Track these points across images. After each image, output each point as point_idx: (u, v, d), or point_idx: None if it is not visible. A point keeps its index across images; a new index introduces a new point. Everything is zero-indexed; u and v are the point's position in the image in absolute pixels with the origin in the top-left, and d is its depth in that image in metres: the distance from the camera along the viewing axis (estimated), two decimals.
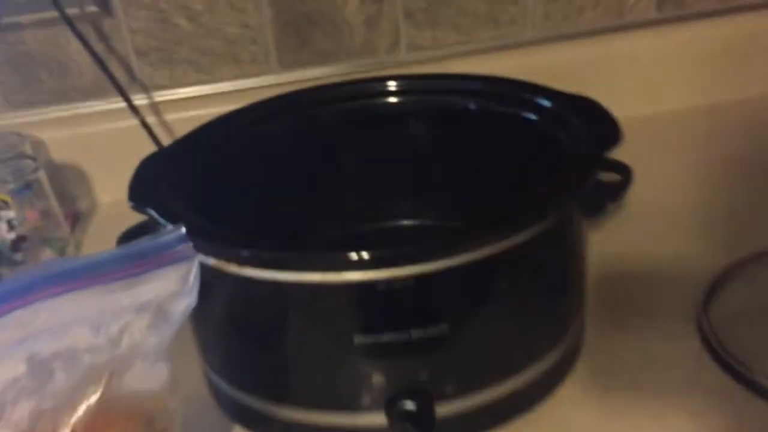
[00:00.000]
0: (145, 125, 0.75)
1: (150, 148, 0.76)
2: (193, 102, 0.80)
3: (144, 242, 0.42)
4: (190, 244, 0.42)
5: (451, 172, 0.59)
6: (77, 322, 0.41)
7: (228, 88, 0.80)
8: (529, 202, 0.44)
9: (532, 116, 0.52)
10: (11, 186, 0.69)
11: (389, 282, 0.41)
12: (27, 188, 0.70)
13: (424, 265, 0.40)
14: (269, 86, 0.80)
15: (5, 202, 0.69)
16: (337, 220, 0.59)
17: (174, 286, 0.42)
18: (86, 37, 0.74)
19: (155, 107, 0.79)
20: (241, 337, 0.46)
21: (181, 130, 0.79)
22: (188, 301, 0.42)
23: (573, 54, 0.81)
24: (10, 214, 0.69)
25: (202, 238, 0.42)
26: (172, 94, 0.80)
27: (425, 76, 0.60)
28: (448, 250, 0.40)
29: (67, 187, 0.81)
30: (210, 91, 0.80)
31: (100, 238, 0.77)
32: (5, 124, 0.78)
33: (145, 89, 0.79)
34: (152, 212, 0.45)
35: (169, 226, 0.43)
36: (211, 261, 0.43)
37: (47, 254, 0.72)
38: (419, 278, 0.41)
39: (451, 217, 0.59)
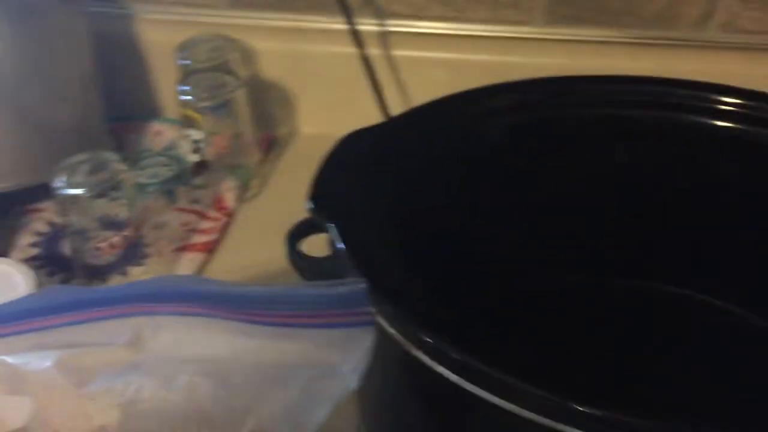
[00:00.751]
0: (365, 60, 0.62)
1: (367, 82, 0.64)
2: (429, 40, 0.65)
3: (307, 288, 0.30)
4: (371, 308, 0.29)
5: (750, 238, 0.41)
6: (198, 365, 0.30)
7: (476, 32, 0.64)
8: None
9: None
10: (205, 104, 0.59)
11: None
12: (222, 107, 0.60)
13: None
14: (526, 39, 0.63)
15: (194, 120, 0.60)
16: (576, 264, 0.43)
17: (334, 357, 0.29)
18: None
19: (385, 38, 0.65)
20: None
21: (408, 71, 0.66)
22: (347, 383, 0.29)
23: None
24: (197, 135, 0.60)
25: (390, 303, 0.29)
26: (408, 27, 0.65)
27: None
28: None
29: (268, 107, 0.70)
30: (453, 31, 0.65)
31: (291, 176, 0.67)
32: (219, 22, 0.68)
33: (379, 14, 0.65)
34: (334, 232, 0.32)
35: (350, 277, 0.29)
36: (395, 333, 0.29)
37: (229, 184, 0.63)
38: None
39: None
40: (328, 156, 0.37)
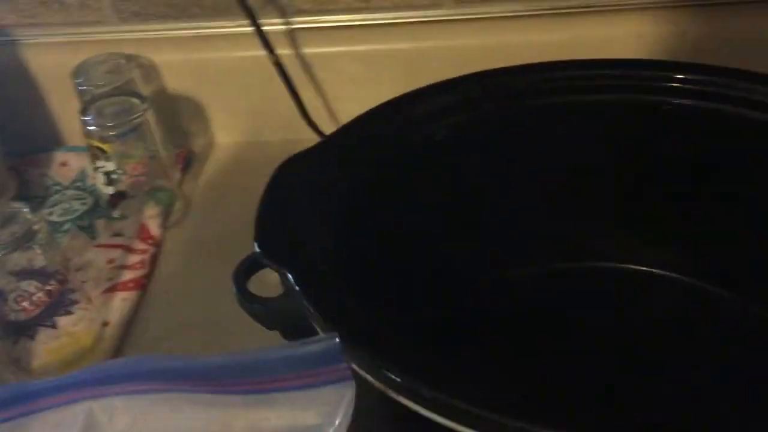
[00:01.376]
0: (276, 62, 0.60)
1: (281, 85, 0.61)
2: (339, 33, 0.63)
3: (276, 350, 0.28)
4: (346, 364, 0.27)
5: (720, 214, 0.40)
6: None
7: (386, 20, 0.62)
8: None
9: None
10: (112, 132, 0.55)
11: None
12: (131, 132, 0.56)
13: None
14: (438, 21, 0.62)
15: (103, 151, 0.56)
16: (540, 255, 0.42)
17: (316, 418, 0.27)
18: None
19: (293, 36, 0.63)
20: None
21: (322, 68, 0.64)
22: None
23: None
24: (110, 166, 0.56)
25: (358, 348, 0.27)
26: (315, 22, 0.63)
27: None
28: None
29: (180, 122, 0.67)
30: (362, 22, 0.62)
31: (214, 191, 0.64)
32: (113, 39, 0.63)
33: (283, 12, 0.62)
34: (290, 280, 0.30)
35: (321, 332, 0.28)
36: (373, 381, 0.28)
37: (151, 211, 0.60)
38: None
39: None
40: (267, 189, 0.35)
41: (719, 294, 0.40)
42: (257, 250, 0.32)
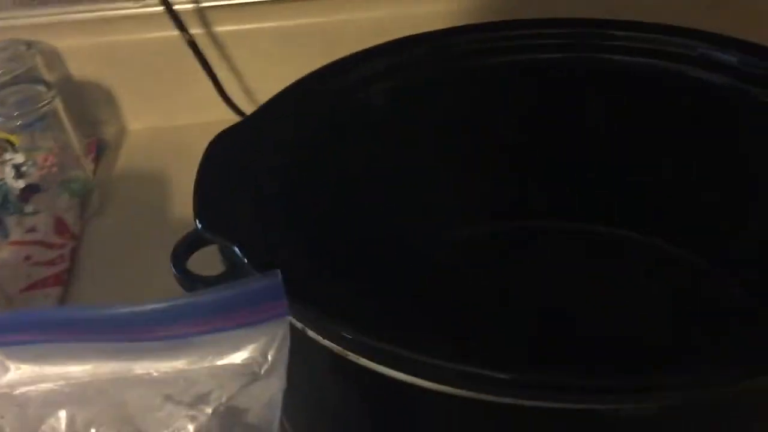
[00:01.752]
0: (191, 42, 0.58)
1: (193, 66, 0.60)
2: (252, 10, 0.61)
3: (208, 293, 0.27)
4: (284, 300, 0.26)
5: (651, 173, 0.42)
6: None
7: None
8: None
9: None
10: (19, 122, 0.52)
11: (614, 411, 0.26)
12: (38, 121, 0.54)
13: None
14: None
15: (11, 143, 0.53)
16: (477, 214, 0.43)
17: (242, 357, 0.27)
18: None
19: (203, 14, 0.61)
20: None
21: (234, 47, 0.62)
22: (275, 386, 0.27)
23: None
24: (18, 158, 0.53)
25: (314, 311, 0.27)
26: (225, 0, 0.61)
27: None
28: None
29: (89, 110, 0.64)
30: None
31: (130, 179, 0.62)
32: (10, 25, 0.60)
33: None
34: (237, 254, 0.29)
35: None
36: (310, 332, 0.28)
37: (65, 201, 0.57)
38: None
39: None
40: (201, 165, 0.34)
41: (654, 244, 0.42)
42: (199, 226, 0.31)
